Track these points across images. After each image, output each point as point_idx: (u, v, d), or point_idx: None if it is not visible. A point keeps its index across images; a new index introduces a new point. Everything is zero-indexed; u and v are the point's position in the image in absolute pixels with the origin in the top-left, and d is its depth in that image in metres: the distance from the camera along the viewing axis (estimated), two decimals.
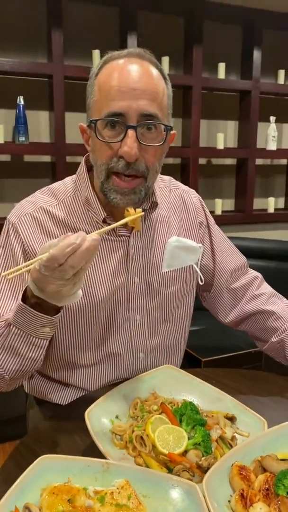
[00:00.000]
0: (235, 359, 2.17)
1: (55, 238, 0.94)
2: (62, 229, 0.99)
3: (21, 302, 0.82)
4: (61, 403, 1.10)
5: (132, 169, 0.89)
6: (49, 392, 1.11)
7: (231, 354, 2.17)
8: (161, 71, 0.92)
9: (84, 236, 0.73)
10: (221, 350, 2.18)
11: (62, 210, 1.00)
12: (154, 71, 0.90)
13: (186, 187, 1.18)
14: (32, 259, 0.92)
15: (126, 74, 0.87)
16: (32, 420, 1.16)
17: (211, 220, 1.18)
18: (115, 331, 1.05)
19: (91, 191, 0.99)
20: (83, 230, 0.96)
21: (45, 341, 0.88)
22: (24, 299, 0.83)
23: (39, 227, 0.99)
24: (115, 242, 1.02)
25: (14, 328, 0.85)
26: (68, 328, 1.02)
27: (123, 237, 1.02)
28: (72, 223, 0.99)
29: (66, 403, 1.10)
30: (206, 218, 1.16)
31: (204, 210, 1.17)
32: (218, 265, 1.16)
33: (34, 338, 0.86)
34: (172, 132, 0.94)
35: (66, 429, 0.92)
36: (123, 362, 1.08)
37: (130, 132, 0.86)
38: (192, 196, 1.16)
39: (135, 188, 0.91)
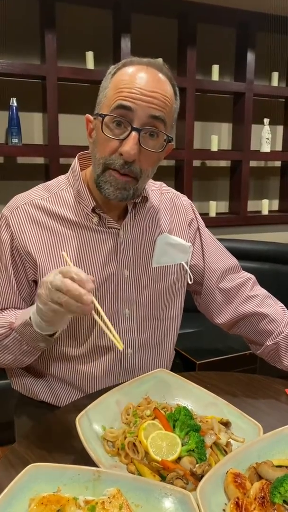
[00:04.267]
0: (230, 361, 2.16)
1: (45, 228, 1.01)
2: (53, 219, 1.02)
3: (28, 319, 0.90)
4: (50, 402, 1.09)
5: (128, 169, 0.93)
6: (38, 389, 1.11)
7: (226, 356, 2.16)
8: (174, 87, 0.96)
9: (91, 300, 0.79)
10: (216, 353, 2.17)
11: (53, 202, 1.03)
12: (169, 86, 0.94)
13: (177, 192, 1.20)
14: (19, 251, 1.01)
15: (142, 77, 0.91)
16: (22, 426, 1.14)
17: (201, 223, 1.19)
18: None
19: (83, 184, 1.02)
20: (73, 220, 1.02)
21: (38, 352, 0.99)
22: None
23: (30, 219, 1.02)
24: (105, 234, 1.03)
25: (15, 333, 0.96)
26: None
27: (113, 229, 1.04)
28: (61, 213, 1.03)
29: (56, 402, 1.09)
30: (197, 220, 1.18)
31: (194, 212, 1.19)
32: (207, 264, 1.16)
33: (29, 347, 0.96)
34: (170, 144, 0.98)
35: (57, 436, 0.90)
36: (111, 357, 1.07)
37: (134, 134, 0.90)
38: (182, 199, 1.19)
39: (126, 184, 0.95)
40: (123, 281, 1.06)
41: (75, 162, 1.06)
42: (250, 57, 2.78)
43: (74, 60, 2.46)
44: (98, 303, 1.02)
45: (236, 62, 2.87)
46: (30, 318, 0.90)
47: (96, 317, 0.84)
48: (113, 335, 0.85)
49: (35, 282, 1.04)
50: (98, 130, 0.94)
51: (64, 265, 0.95)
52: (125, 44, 2.44)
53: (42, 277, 1.00)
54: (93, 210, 1.01)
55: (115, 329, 1.05)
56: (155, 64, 0.94)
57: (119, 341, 0.84)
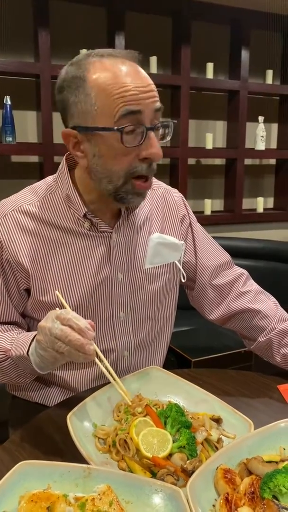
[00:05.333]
0: (225, 359, 2.16)
1: (36, 236, 0.99)
2: (43, 226, 0.99)
3: (26, 355, 0.89)
4: (45, 404, 1.09)
5: (152, 170, 0.92)
6: (32, 391, 1.10)
7: (221, 354, 2.16)
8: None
9: (93, 349, 0.80)
10: (211, 350, 2.17)
11: (43, 208, 1.00)
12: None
13: (168, 186, 1.18)
14: (9, 261, 0.98)
15: (131, 74, 0.86)
16: (15, 427, 1.14)
17: (193, 218, 1.18)
18: (99, 328, 1.05)
19: (72, 188, 0.98)
20: (63, 226, 1.00)
21: (34, 376, 1.00)
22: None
23: (20, 227, 0.98)
24: (97, 238, 1.01)
25: (10, 360, 0.95)
26: None
27: (106, 233, 1.02)
28: (52, 220, 0.99)
29: (50, 403, 1.09)
30: (189, 216, 1.17)
31: (186, 207, 1.17)
32: (200, 261, 1.15)
33: (25, 372, 0.97)
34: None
35: (48, 434, 0.90)
36: (108, 361, 1.06)
37: (151, 134, 0.87)
38: (173, 194, 1.17)
39: (149, 188, 0.94)
40: (117, 285, 1.04)
41: (62, 163, 1.01)
42: (245, 55, 2.78)
43: (68, 58, 2.36)
44: (93, 308, 1.03)
45: (230, 60, 2.87)
46: (28, 354, 0.88)
47: (100, 365, 0.85)
48: (120, 388, 0.87)
49: (27, 290, 1.02)
50: (106, 144, 0.87)
51: (59, 304, 0.94)
52: (119, 42, 2.44)
53: (36, 286, 0.99)
54: (84, 216, 0.98)
55: (111, 333, 1.06)
56: (125, 55, 0.88)
57: (127, 394, 0.87)
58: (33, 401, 1.11)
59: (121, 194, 0.92)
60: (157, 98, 0.88)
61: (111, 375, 0.87)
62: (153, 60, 2.55)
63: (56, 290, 0.99)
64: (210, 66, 2.72)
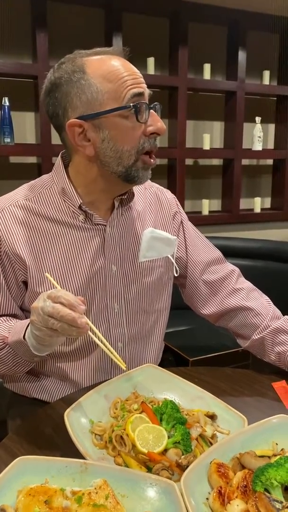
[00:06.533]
0: (223, 358, 2.17)
1: (32, 229, 1.02)
2: (39, 219, 1.02)
3: (22, 339, 0.91)
4: (43, 399, 1.11)
5: (156, 146, 0.99)
6: (30, 386, 1.12)
7: (219, 353, 2.17)
8: None
9: (85, 322, 0.81)
10: (209, 350, 2.18)
11: (38, 202, 1.03)
12: None
13: (160, 186, 1.23)
14: (7, 253, 1.01)
15: (126, 64, 0.95)
16: (14, 424, 1.15)
17: (184, 216, 1.22)
18: (93, 319, 1.07)
19: (68, 182, 1.02)
20: (59, 219, 1.03)
21: (32, 363, 1.01)
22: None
23: (17, 221, 1.02)
24: (92, 231, 1.04)
25: (8, 347, 0.97)
26: None
27: (100, 226, 1.05)
28: (47, 213, 1.03)
29: (48, 399, 1.10)
30: (180, 213, 1.20)
31: (177, 206, 1.21)
32: (190, 256, 1.18)
33: (23, 360, 0.98)
34: None
35: (46, 431, 0.91)
36: (102, 352, 1.08)
37: (154, 112, 0.97)
38: (166, 193, 1.21)
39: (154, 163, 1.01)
40: (111, 277, 1.07)
41: (58, 161, 1.06)
42: (242, 55, 2.80)
43: None
44: (87, 299, 1.05)
45: (227, 61, 2.89)
46: (24, 338, 0.91)
47: (93, 337, 0.87)
48: (115, 356, 0.88)
49: (25, 282, 1.04)
50: (116, 126, 0.94)
51: (50, 285, 0.98)
52: (117, 43, 2.45)
53: (32, 277, 1.02)
54: (79, 207, 1.02)
55: (105, 324, 1.08)
56: (113, 52, 0.97)
57: (121, 361, 0.87)
58: (31, 397, 1.13)
59: (133, 172, 0.98)
60: (146, 84, 0.98)
61: (105, 346, 0.89)
62: (151, 61, 2.56)
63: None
64: (207, 67, 2.73)
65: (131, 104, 0.93)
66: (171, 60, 2.70)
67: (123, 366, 0.88)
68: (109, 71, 0.93)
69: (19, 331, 0.93)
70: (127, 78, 0.93)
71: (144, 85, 0.96)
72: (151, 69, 2.58)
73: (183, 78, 2.65)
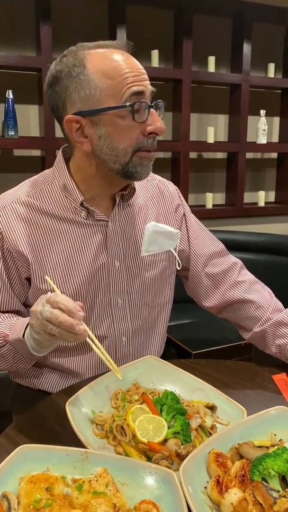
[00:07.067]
0: (226, 351, 2.18)
1: (34, 225, 1.02)
2: (41, 216, 1.02)
3: (22, 338, 0.92)
4: (48, 390, 1.12)
5: (155, 145, 0.97)
6: (35, 378, 1.13)
7: (222, 346, 2.18)
8: None
9: (83, 329, 0.82)
10: (211, 343, 2.19)
11: (40, 198, 1.03)
12: None
13: (163, 178, 1.22)
14: (10, 251, 1.01)
15: (128, 60, 0.92)
16: (17, 412, 1.17)
17: (187, 208, 1.21)
18: (97, 314, 1.08)
19: (69, 178, 1.01)
20: (61, 215, 1.03)
21: (33, 361, 1.03)
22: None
23: (19, 218, 1.02)
24: (94, 226, 1.04)
25: (9, 345, 0.98)
26: None
27: (102, 221, 1.05)
28: (49, 209, 1.02)
29: (53, 390, 1.11)
30: (183, 206, 1.20)
31: (180, 198, 1.20)
32: (193, 249, 1.18)
33: (24, 357, 0.99)
34: None
35: (48, 421, 0.93)
36: (106, 346, 1.10)
37: (153, 111, 0.94)
38: (168, 185, 1.21)
39: (153, 157, 0.99)
40: (114, 272, 1.07)
41: (59, 156, 1.05)
42: (247, 48, 2.78)
43: None
44: (91, 295, 1.05)
45: (232, 53, 2.87)
46: (23, 337, 0.91)
47: (91, 344, 0.87)
48: (111, 364, 0.89)
49: (28, 279, 1.05)
50: (113, 123, 0.92)
51: (50, 289, 0.97)
52: (121, 35, 2.44)
53: (35, 274, 1.02)
54: (81, 204, 1.01)
55: (109, 319, 1.09)
56: (116, 45, 0.94)
57: (118, 370, 0.88)
58: (36, 388, 1.14)
59: (130, 169, 0.96)
60: (149, 82, 0.95)
61: (103, 354, 0.89)
62: (155, 53, 2.55)
63: (55, 277, 1.02)
64: (212, 60, 2.72)
65: (128, 104, 0.90)
66: (175, 52, 2.69)
67: (119, 376, 0.89)
68: (109, 66, 0.90)
69: (19, 330, 0.94)
70: (128, 75, 0.90)
71: (146, 82, 0.93)
72: (155, 61, 2.57)
73: (188, 70, 2.63)
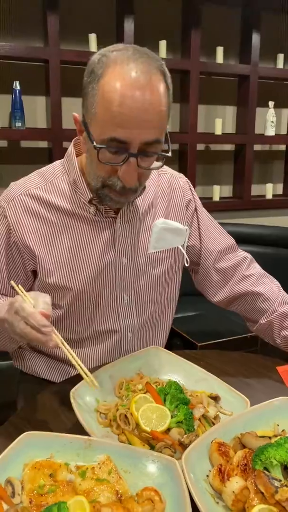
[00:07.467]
0: (231, 344, 2.18)
1: (42, 219, 1.01)
2: (49, 210, 1.01)
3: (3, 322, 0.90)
4: (51, 380, 1.13)
5: (128, 190, 0.91)
6: (39, 368, 1.15)
7: (227, 339, 2.18)
8: (166, 78, 0.86)
9: (53, 343, 0.82)
10: (217, 335, 2.19)
11: (50, 191, 1.02)
12: (161, 87, 0.84)
13: (175, 172, 1.19)
14: (16, 243, 1.01)
15: (134, 98, 0.80)
16: (21, 400, 1.18)
17: (198, 202, 1.20)
18: (103, 310, 1.08)
19: (79, 173, 1.00)
20: (69, 210, 1.02)
21: (15, 344, 1.05)
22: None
23: (27, 211, 1.01)
24: (102, 223, 1.03)
25: None
26: (57, 305, 1.05)
27: (110, 218, 1.04)
28: (58, 204, 1.01)
29: (56, 379, 1.13)
30: (194, 201, 1.18)
31: (191, 192, 1.18)
32: (204, 245, 1.17)
33: (10, 338, 0.96)
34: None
35: (53, 408, 0.94)
36: (112, 341, 1.10)
37: (131, 160, 0.84)
38: (179, 179, 1.17)
39: (126, 199, 0.95)
40: (121, 269, 1.06)
41: (70, 148, 1.03)
42: (255, 39, 2.74)
43: (77, 42, 2.45)
44: (97, 291, 1.05)
45: (241, 44, 2.83)
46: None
47: (64, 349, 0.86)
48: (87, 375, 0.86)
49: (33, 272, 1.05)
50: (91, 151, 0.88)
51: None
52: (128, 26, 2.42)
53: (42, 268, 1.01)
54: (90, 201, 1.00)
55: (115, 315, 1.08)
56: (145, 60, 0.82)
57: (94, 382, 0.85)
58: (40, 377, 1.15)
59: (101, 195, 0.94)
60: (154, 129, 0.84)
61: (79, 366, 0.87)
62: (162, 44, 2.53)
63: (61, 272, 1.02)
64: (220, 51, 2.69)
65: (98, 146, 0.83)
66: (183, 43, 2.66)
67: (94, 386, 0.86)
68: (111, 94, 0.80)
69: (1, 310, 0.92)
70: (117, 116, 0.80)
71: (137, 132, 0.82)
72: (163, 52, 2.55)
73: (196, 61, 2.61)
